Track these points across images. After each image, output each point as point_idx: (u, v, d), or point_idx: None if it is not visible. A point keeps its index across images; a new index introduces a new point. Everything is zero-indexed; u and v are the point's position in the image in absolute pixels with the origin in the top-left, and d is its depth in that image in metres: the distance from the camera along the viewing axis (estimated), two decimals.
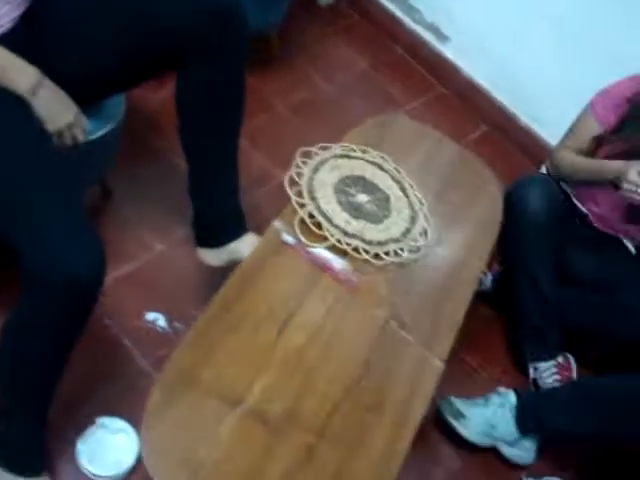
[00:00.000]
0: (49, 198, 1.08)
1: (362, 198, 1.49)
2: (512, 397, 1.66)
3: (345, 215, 1.43)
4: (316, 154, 1.53)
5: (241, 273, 1.30)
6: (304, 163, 1.49)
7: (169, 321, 1.62)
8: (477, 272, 1.54)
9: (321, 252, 1.37)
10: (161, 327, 1.61)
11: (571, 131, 1.78)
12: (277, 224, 1.38)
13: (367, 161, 1.58)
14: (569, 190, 1.81)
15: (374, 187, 1.54)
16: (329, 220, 1.40)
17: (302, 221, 1.39)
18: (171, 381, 1.14)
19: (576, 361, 1.86)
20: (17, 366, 1.18)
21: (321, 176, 1.48)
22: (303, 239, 1.36)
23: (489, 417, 1.64)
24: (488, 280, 1.97)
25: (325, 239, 1.38)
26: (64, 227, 1.06)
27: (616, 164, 1.61)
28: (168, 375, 1.15)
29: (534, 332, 1.82)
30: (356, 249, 1.39)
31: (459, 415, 1.63)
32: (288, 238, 1.36)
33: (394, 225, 1.48)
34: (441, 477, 1.63)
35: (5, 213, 1.08)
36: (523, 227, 1.72)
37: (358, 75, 2.52)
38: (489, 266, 1.90)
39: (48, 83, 1.20)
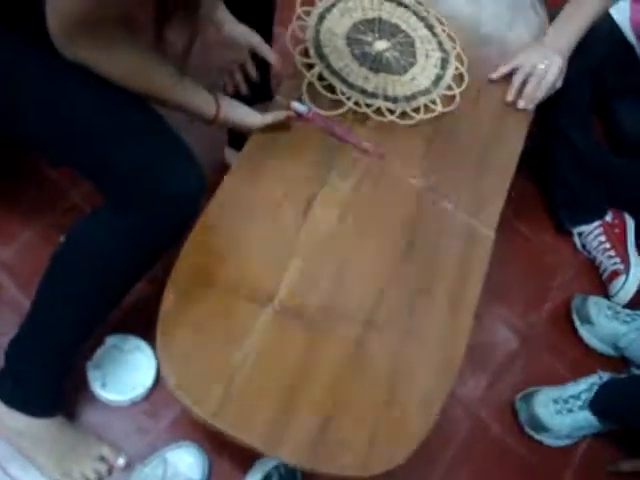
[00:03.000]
0: (147, 122, 1.00)
1: (381, 45, 1.25)
2: None
3: (362, 70, 1.20)
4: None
5: (247, 155, 1.10)
6: (307, 13, 1.25)
7: None
8: (527, 118, 1.29)
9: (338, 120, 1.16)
10: None
11: None
12: (282, 91, 1.17)
13: None
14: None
15: (394, 29, 1.28)
16: (343, 80, 1.17)
17: (311, 85, 1.17)
18: (185, 282, 0.96)
19: None
20: (81, 293, 1.05)
21: (329, 25, 1.24)
22: (314, 107, 1.15)
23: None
24: None
25: (341, 104, 1.16)
26: (167, 146, 0.99)
27: None
28: (180, 275, 0.96)
29: (570, 193, 1.59)
30: (379, 110, 1.17)
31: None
32: (298, 106, 1.14)
33: (422, 73, 1.24)
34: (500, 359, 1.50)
35: (102, 137, 0.98)
36: None
37: None
38: None
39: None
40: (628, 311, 1.52)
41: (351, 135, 1.14)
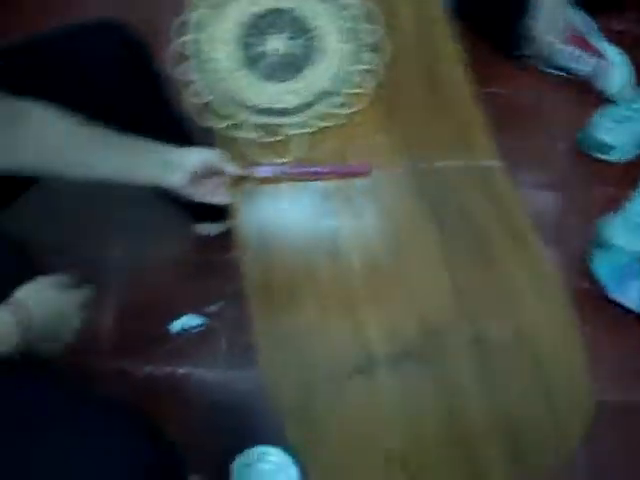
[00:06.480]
0: None
1: (276, 44, 1.07)
2: None
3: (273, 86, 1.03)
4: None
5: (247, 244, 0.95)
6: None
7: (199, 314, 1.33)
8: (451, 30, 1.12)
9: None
10: (197, 326, 1.32)
11: None
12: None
13: None
14: None
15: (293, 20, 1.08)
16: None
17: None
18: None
19: None
20: None
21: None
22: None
23: None
24: None
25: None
26: None
27: None
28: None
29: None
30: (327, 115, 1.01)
31: None
32: (263, 170, 0.97)
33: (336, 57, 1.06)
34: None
35: None
36: None
37: None
38: None
39: None
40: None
41: (331, 166, 0.99)
